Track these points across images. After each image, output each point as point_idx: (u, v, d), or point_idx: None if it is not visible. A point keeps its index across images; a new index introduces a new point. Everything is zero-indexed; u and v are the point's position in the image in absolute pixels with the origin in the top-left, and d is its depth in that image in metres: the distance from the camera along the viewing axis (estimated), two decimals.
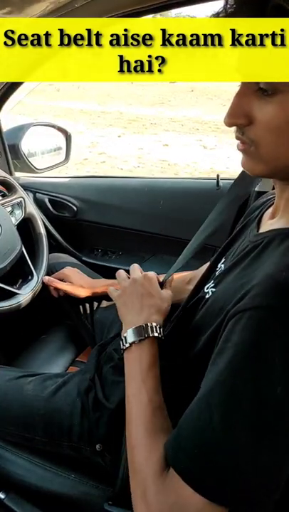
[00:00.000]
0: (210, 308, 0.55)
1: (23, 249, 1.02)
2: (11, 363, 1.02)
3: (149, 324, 0.59)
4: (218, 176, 1.17)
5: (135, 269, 0.72)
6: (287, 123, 0.43)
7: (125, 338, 0.59)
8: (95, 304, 1.06)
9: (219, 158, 4.82)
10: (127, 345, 0.58)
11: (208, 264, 0.81)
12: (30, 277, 1.03)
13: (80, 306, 1.06)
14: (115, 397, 0.73)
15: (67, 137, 1.40)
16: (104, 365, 0.81)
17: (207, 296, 0.61)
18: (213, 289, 0.60)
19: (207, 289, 0.63)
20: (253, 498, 0.40)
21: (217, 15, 0.44)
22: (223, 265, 0.64)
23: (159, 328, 0.59)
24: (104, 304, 1.07)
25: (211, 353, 0.48)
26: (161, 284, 0.71)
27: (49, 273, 1.08)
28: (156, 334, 0.58)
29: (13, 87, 1.08)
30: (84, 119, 7.19)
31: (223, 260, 0.67)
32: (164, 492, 0.43)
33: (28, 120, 1.42)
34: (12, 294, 0.95)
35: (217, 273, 0.64)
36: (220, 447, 0.40)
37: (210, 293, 0.60)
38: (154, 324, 0.59)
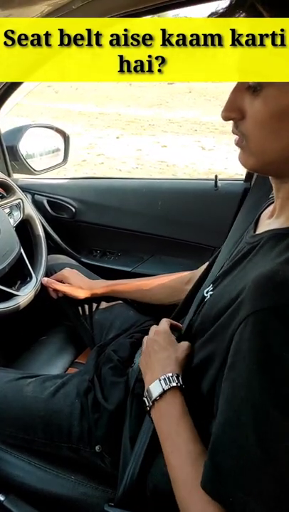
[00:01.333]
0: (208, 312, 0.55)
1: (22, 250, 1.02)
2: (10, 364, 1.02)
3: (163, 377, 0.57)
4: (216, 176, 1.17)
5: (152, 328, 0.71)
6: (271, 117, 0.45)
7: (147, 398, 0.58)
8: (94, 305, 1.06)
9: (217, 159, 4.82)
10: (151, 403, 0.57)
11: (206, 264, 0.81)
12: (28, 279, 1.03)
13: (79, 307, 1.06)
14: (114, 399, 0.73)
15: (66, 138, 1.39)
16: (103, 366, 0.81)
17: (205, 299, 0.61)
18: (212, 292, 0.60)
19: (207, 292, 0.63)
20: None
21: (211, 15, 0.46)
22: (222, 267, 0.64)
23: (177, 377, 0.57)
24: (104, 305, 1.07)
25: (207, 358, 0.48)
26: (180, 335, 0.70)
27: (48, 274, 1.08)
28: (174, 384, 0.56)
29: (11, 88, 1.08)
30: (82, 121, 7.20)
31: (223, 262, 0.67)
32: None
33: (26, 122, 1.42)
34: (11, 296, 0.94)
35: (217, 274, 0.64)
36: (267, 470, 0.39)
37: (208, 295, 0.60)
38: (169, 375, 0.57)
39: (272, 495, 0.38)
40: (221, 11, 0.45)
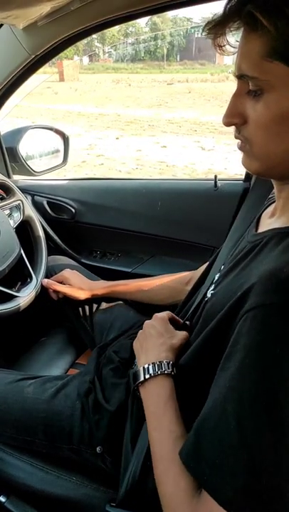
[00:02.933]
0: (209, 311, 0.55)
1: (22, 251, 1.02)
2: (10, 365, 1.02)
3: (158, 362, 0.58)
4: (215, 176, 1.17)
5: (154, 315, 0.72)
6: (273, 121, 0.45)
7: (138, 376, 0.59)
8: (95, 306, 1.06)
9: (217, 159, 4.83)
10: (141, 379, 0.58)
11: (206, 264, 0.81)
12: (29, 280, 1.03)
13: (80, 308, 1.06)
14: (115, 400, 0.73)
15: (65, 140, 1.40)
16: (104, 367, 0.81)
17: (206, 299, 0.61)
18: (213, 292, 0.60)
19: (208, 292, 0.63)
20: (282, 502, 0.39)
21: (207, 24, 0.47)
22: (223, 266, 0.64)
23: (171, 365, 0.58)
24: (104, 305, 1.07)
25: (208, 353, 0.48)
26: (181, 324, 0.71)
27: (48, 275, 1.08)
28: (166, 370, 0.57)
29: (10, 89, 1.08)
30: (82, 122, 7.21)
31: (224, 263, 0.67)
32: None
33: (25, 123, 1.42)
34: (11, 297, 0.94)
35: (217, 276, 0.64)
36: (242, 456, 0.39)
37: (209, 295, 0.61)
38: (164, 361, 0.58)
39: (241, 483, 0.39)
40: (217, 19, 0.46)
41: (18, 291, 0.99)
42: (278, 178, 0.53)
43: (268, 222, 0.58)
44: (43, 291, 1.04)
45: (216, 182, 1.16)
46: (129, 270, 1.28)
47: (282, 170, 0.50)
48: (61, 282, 1.05)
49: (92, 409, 0.74)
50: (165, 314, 0.70)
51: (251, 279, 0.45)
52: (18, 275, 1.03)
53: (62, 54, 1.04)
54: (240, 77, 0.47)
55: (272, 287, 0.41)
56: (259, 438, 0.39)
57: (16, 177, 1.35)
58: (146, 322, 0.70)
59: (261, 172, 0.52)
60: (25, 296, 0.97)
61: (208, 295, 0.61)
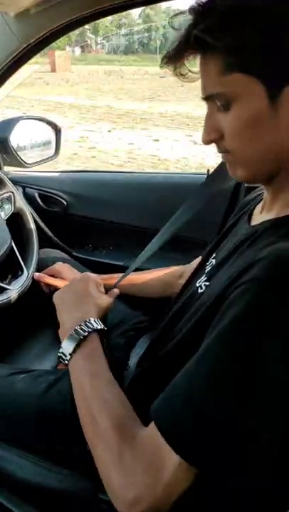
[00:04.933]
0: (203, 302, 0.55)
1: (13, 244, 1.01)
2: (1, 359, 1.01)
3: (87, 320, 0.57)
4: (208, 171, 1.17)
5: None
6: (244, 127, 0.48)
7: (64, 350, 0.56)
8: None
9: (209, 154, 4.83)
10: (68, 357, 0.55)
11: (199, 258, 0.81)
12: (20, 273, 1.02)
13: None
14: None
15: (57, 131, 1.38)
16: None
17: (200, 291, 0.61)
18: (207, 283, 0.60)
19: (199, 283, 0.63)
20: (232, 464, 0.41)
21: (164, 58, 0.51)
22: (214, 260, 0.64)
23: (99, 321, 0.58)
24: None
25: (198, 340, 0.48)
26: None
27: (40, 268, 1.07)
28: (98, 327, 0.57)
29: (1, 79, 1.07)
30: (73, 114, 7.13)
31: (214, 255, 0.67)
32: (139, 454, 0.43)
33: (16, 114, 1.40)
34: (2, 290, 0.94)
35: (208, 268, 0.64)
36: (203, 411, 0.41)
37: (203, 287, 0.61)
38: (92, 319, 0.57)
39: (206, 438, 0.40)
40: (172, 52, 0.49)
41: (9, 283, 0.98)
42: (265, 181, 0.54)
43: (260, 217, 0.58)
44: (35, 285, 1.03)
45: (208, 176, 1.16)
46: (122, 264, 1.28)
47: (267, 172, 0.52)
48: (53, 275, 1.04)
49: None
50: (94, 276, 0.70)
51: (247, 262, 0.45)
52: (9, 268, 1.02)
53: (54, 44, 1.03)
54: (207, 98, 0.50)
55: (267, 264, 0.42)
56: (225, 400, 0.40)
57: (6, 168, 1.33)
58: (72, 278, 0.71)
59: (249, 178, 0.54)
60: (16, 289, 0.96)
61: (202, 286, 0.61)
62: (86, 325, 0.56)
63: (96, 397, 0.52)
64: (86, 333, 0.55)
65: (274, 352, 0.39)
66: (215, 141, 0.52)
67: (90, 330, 0.56)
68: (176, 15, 0.52)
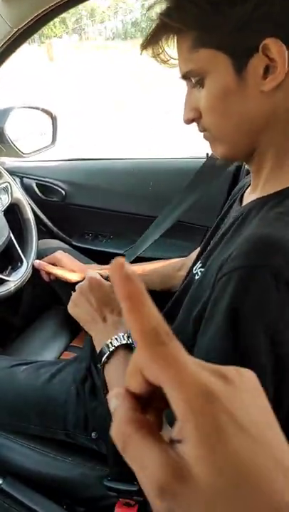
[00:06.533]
0: (198, 288, 0.55)
1: (12, 235, 1.00)
2: (3, 351, 1.02)
3: (113, 338, 0.57)
4: (207, 154, 1.15)
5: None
6: (216, 101, 0.49)
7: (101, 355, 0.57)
8: None
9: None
10: (105, 359, 0.56)
11: (198, 249, 0.80)
12: (19, 264, 1.01)
13: (72, 291, 1.05)
14: None
15: (53, 119, 1.35)
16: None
17: (196, 278, 0.60)
18: (202, 269, 0.59)
19: (196, 270, 0.62)
20: None
21: (142, 45, 0.54)
22: (209, 246, 0.64)
23: (127, 337, 0.57)
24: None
25: (196, 328, 0.47)
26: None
27: (39, 259, 1.06)
28: (123, 342, 0.56)
29: None
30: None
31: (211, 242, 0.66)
32: None
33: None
34: (2, 281, 0.93)
35: (204, 254, 0.63)
36: None
37: (199, 273, 0.60)
38: (120, 334, 0.57)
39: None
40: (147, 38, 0.52)
41: (8, 275, 0.97)
42: (243, 157, 0.55)
43: (249, 197, 0.58)
44: (35, 275, 1.02)
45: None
46: (122, 252, 1.27)
47: (243, 147, 0.53)
48: (53, 264, 1.03)
49: (88, 395, 0.73)
50: (98, 278, 0.69)
51: (232, 248, 0.45)
52: (8, 259, 1.01)
53: (51, 33, 1.00)
54: (184, 77, 0.52)
55: (247, 251, 0.42)
56: None
57: (2, 159, 1.31)
58: (80, 286, 0.69)
59: (227, 154, 0.55)
60: (16, 280, 0.96)
61: (198, 273, 0.60)
62: (115, 339, 0.57)
63: None
64: (113, 348, 0.56)
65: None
66: (195, 119, 0.54)
67: (116, 346, 0.56)
68: (151, 6, 0.53)
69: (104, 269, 1.02)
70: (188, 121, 0.54)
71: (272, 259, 0.40)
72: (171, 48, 0.53)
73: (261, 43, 0.44)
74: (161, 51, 0.54)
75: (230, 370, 0.21)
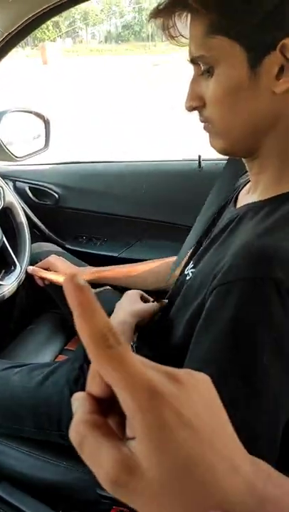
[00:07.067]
0: (189, 289, 0.55)
1: (4, 239, 1.00)
2: None
3: None
4: (199, 156, 1.15)
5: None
6: (225, 94, 0.47)
7: None
8: None
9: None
10: None
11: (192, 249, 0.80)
12: (13, 268, 1.01)
13: None
14: None
15: (46, 123, 1.35)
16: None
17: (187, 278, 0.60)
18: (193, 270, 0.59)
19: (187, 270, 0.62)
20: None
21: (155, 10, 0.50)
22: (202, 247, 0.64)
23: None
24: (92, 291, 1.06)
25: (190, 333, 0.47)
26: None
27: (33, 263, 1.06)
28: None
29: None
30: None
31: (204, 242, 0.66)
32: None
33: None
34: None
35: (196, 255, 0.64)
36: None
37: (190, 274, 0.60)
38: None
39: None
40: (162, 6, 0.48)
41: (2, 279, 0.97)
42: (243, 154, 0.53)
43: (245, 199, 0.58)
44: (29, 279, 1.02)
45: (200, 162, 1.14)
46: (116, 255, 1.27)
47: (245, 145, 0.51)
48: (47, 269, 1.03)
49: None
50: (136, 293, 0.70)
51: (227, 254, 0.45)
52: (1, 263, 1.01)
53: (44, 37, 1.00)
54: (192, 61, 0.49)
55: (243, 262, 0.41)
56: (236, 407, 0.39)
57: None
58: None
59: (227, 149, 0.53)
60: (9, 285, 0.95)
61: (190, 273, 0.60)
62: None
63: None
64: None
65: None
66: (197, 108, 0.51)
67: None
68: None
69: (97, 272, 1.02)
70: (190, 109, 0.51)
71: (273, 271, 0.39)
72: (183, 24, 0.49)
73: (280, 42, 0.42)
74: (171, 25, 0.50)
75: (181, 371, 0.22)
